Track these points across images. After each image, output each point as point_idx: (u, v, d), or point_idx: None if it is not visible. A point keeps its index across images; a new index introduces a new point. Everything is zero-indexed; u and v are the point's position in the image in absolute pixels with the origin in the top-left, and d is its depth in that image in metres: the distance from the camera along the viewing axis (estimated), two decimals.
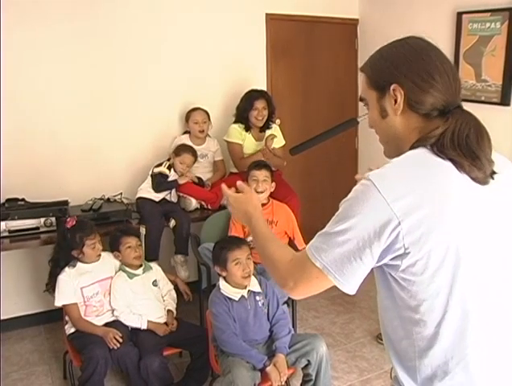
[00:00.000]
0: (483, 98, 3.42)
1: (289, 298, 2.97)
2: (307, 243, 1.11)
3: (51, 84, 3.32)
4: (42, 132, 3.34)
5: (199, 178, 3.46)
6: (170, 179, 3.30)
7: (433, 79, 1.06)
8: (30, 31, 3.20)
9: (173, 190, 3.36)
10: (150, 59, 3.61)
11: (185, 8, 3.68)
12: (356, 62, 4.44)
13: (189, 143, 3.53)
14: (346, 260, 1.01)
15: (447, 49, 3.36)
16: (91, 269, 2.69)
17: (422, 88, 1.07)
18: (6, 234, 2.92)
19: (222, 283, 2.47)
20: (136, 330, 2.65)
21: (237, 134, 3.59)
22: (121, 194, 3.43)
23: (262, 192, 3.02)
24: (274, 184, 3.12)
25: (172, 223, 3.21)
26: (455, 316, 1.03)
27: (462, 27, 3.50)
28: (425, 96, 1.07)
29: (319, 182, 4.48)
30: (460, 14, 3.51)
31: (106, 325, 2.66)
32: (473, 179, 1.03)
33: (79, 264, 2.69)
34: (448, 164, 1.03)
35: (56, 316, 2.96)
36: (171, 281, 2.93)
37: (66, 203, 3.17)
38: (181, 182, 3.30)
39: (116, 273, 2.76)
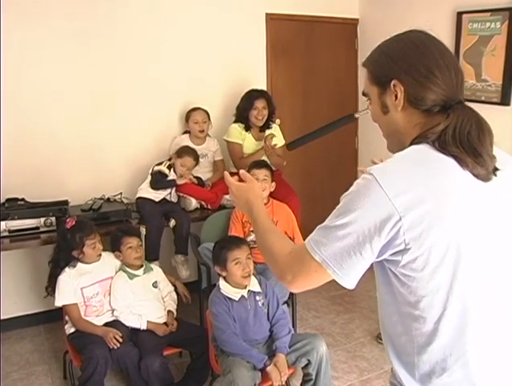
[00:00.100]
0: (483, 98, 3.42)
1: (289, 298, 2.97)
2: None
3: (51, 84, 3.32)
4: (42, 132, 3.34)
5: (199, 178, 3.45)
6: (168, 179, 3.30)
7: (433, 74, 1.06)
8: (31, 31, 3.20)
9: (173, 191, 3.35)
10: (150, 59, 3.61)
11: (185, 8, 3.68)
12: (356, 62, 4.44)
13: (189, 143, 3.53)
14: (346, 255, 1.00)
15: None
16: (91, 270, 2.69)
17: (422, 83, 1.06)
18: (6, 234, 2.91)
19: (222, 283, 2.47)
20: (136, 330, 2.65)
21: (237, 134, 3.59)
22: (121, 194, 3.43)
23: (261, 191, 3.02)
24: (274, 184, 3.12)
25: (172, 223, 3.21)
26: (454, 313, 1.03)
27: (462, 27, 3.50)
28: (425, 92, 1.06)
29: (319, 182, 4.47)
30: (460, 14, 3.51)
31: (106, 325, 2.65)
32: (476, 176, 1.02)
33: (79, 264, 2.68)
34: (451, 160, 1.02)
35: (56, 316, 2.95)
36: (170, 282, 2.93)
37: (66, 202, 3.17)
38: (179, 182, 3.31)
39: (116, 273, 2.75)
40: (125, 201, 3.37)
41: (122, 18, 3.48)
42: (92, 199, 3.35)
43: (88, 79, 3.42)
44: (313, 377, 2.43)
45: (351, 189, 1.04)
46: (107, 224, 3.08)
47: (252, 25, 3.97)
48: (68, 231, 2.65)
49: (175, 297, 2.88)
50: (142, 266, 2.79)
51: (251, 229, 2.98)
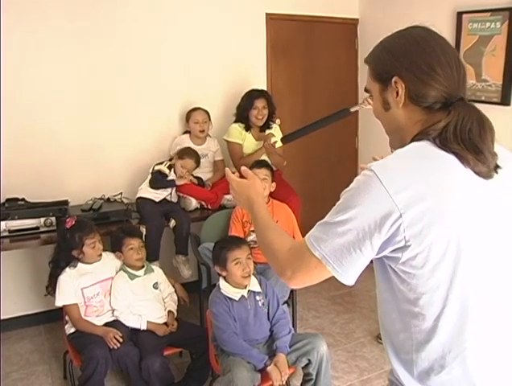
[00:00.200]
0: (483, 98, 3.42)
1: (289, 298, 2.97)
2: None
3: (52, 84, 3.32)
4: (42, 131, 3.34)
5: (199, 178, 3.45)
6: (168, 179, 3.30)
7: (434, 71, 1.05)
8: (30, 31, 3.20)
9: (173, 191, 3.35)
10: (150, 59, 3.61)
11: (185, 8, 3.68)
12: (356, 62, 4.44)
13: (189, 143, 3.53)
14: (346, 251, 1.00)
15: None
16: (91, 270, 2.69)
17: (423, 80, 1.06)
18: (6, 234, 2.91)
19: (222, 283, 2.47)
20: (136, 331, 2.65)
21: (237, 134, 3.59)
22: (121, 193, 3.43)
23: None
24: (274, 184, 3.12)
25: (172, 223, 3.21)
26: (454, 310, 1.02)
27: (462, 27, 3.50)
28: (426, 89, 1.06)
29: (319, 182, 4.47)
30: (460, 14, 3.51)
31: (106, 325, 2.65)
32: (477, 173, 1.02)
33: (80, 264, 2.68)
34: (452, 157, 1.02)
35: (56, 316, 2.95)
36: (170, 284, 2.92)
37: (66, 202, 3.16)
38: (178, 183, 3.30)
39: (117, 273, 2.75)
40: (125, 201, 3.37)
41: (122, 18, 3.48)
42: (93, 199, 3.35)
43: (88, 79, 3.42)
44: (313, 377, 2.43)
45: (351, 185, 1.03)
46: (107, 224, 3.07)
47: (252, 25, 3.97)
48: (68, 230, 2.65)
49: (176, 298, 2.88)
50: (143, 267, 2.79)
51: (251, 229, 2.98)
